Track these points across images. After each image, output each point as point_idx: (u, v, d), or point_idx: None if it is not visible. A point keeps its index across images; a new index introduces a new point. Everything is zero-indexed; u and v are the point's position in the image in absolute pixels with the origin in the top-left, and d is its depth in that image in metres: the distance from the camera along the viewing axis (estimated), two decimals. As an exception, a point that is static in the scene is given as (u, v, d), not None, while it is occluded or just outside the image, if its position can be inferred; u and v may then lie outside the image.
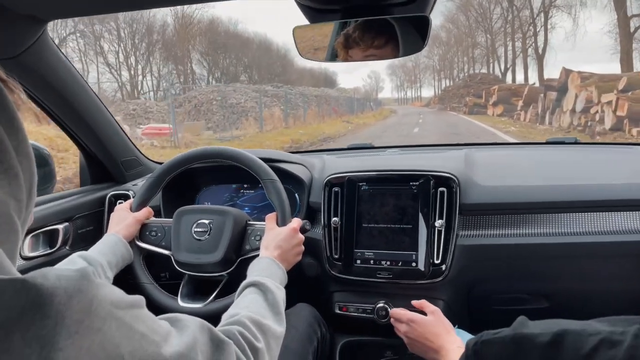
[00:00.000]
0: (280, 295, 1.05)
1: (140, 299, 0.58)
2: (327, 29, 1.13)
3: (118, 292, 0.53)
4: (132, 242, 1.33)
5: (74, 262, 1.12)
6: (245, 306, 0.94)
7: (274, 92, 27.85)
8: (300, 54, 1.15)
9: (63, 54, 1.31)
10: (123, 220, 1.33)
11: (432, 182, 1.40)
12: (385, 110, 54.80)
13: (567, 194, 1.37)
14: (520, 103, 26.59)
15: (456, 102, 42.73)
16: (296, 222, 1.29)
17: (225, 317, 0.90)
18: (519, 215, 1.38)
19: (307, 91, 30.22)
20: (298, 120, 24.48)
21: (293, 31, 1.12)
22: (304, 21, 1.14)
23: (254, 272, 1.11)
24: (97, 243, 1.24)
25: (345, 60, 1.15)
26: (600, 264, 1.35)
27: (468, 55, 63.46)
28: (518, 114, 26.28)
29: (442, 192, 1.39)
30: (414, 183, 1.42)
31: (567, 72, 20.47)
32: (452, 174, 1.40)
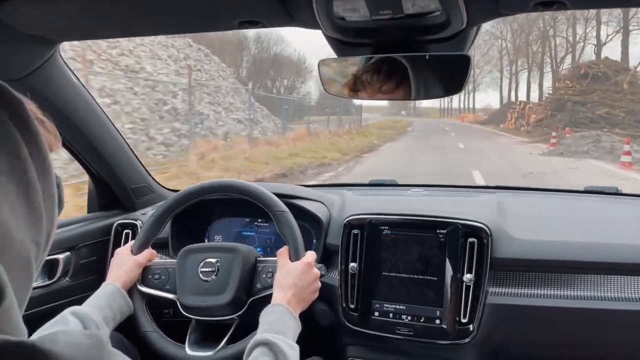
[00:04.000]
0: (294, 356, 0.97)
1: None
2: (353, 64, 1.04)
3: None
4: (133, 287, 1.24)
5: (66, 319, 1.04)
6: None
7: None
8: (325, 90, 1.07)
9: (74, 74, 1.25)
10: (123, 265, 1.24)
11: (461, 231, 1.29)
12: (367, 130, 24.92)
13: (611, 254, 1.24)
14: None
15: None
16: (310, 256, 1.19)
17: None
18: (557, 274, 1.26)
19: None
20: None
21: (318, 65, 1.05)
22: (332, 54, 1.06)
23: (265, 324, 1.03)
24: (94, 295, 1.16)
25: (357, 98, 1.07)
26: None
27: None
28: None
29: (472, 243, 1.28)
30: (442, 231, 1.31)
31: None
32: (483, 224, 1.29)
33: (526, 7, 0.84)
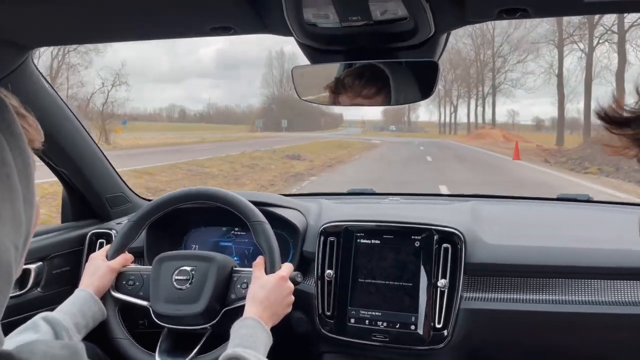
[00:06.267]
0: None
1: None
2: (328, 70, 1.06)
3: None
4: (107, 293, 1.23)
5: (37, 325, 1.03)
6: None
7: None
8: (298, 96, 1.08)
9: (48, 82, 1.24)
10: (97, 270, 1.23)
11: (435, 237, 1.30)
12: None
13: (583, 258, 1.27)
14: None
15: None
16: (285, 270, 1.19)
17: None
18: (529, 279, 1.27)
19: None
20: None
21: (292, 71, 1.06)
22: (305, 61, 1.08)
23: (236, 338, 1.02)
24: (67, 300, 1.14)
25: (335, 104, 1.08)
26: (620, 337, 1.23)
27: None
28: None
29: (446, 249, 1.29)
30: (416, 237, 1.32)
31: None
32: (457, 230, 1.30)
33: (491, 15, 0.87)
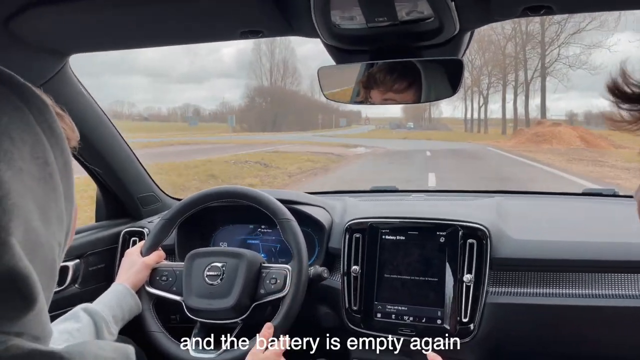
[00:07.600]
0: None
1: None
2: (353, 70, 1.08)
3: None
4: (142, 288, 1.29)
5: (78, 316, 1.08)
6: None
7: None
8: (324, 96, 1.11)
9: (84, 87, 1.30)
10: (132, 266, 1.28)
11: (460, 232, 1.31)
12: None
13: (609, 252, 1.27)
14: None
15: None
16: (282, 345, 1.14)
17: None
18: (555, 273, 1.28)
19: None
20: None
21: (318, 72, 1.09)
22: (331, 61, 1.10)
23: None
24: (105, 293, 1.20)
25: (366, 101, 1.10)
26: None
27: None
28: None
29: (471, 244, 1.30)
30: (441, 233, 1.33)
31: None
32: (482, 225, 1.31)
33: (515, 13, 0.88)
